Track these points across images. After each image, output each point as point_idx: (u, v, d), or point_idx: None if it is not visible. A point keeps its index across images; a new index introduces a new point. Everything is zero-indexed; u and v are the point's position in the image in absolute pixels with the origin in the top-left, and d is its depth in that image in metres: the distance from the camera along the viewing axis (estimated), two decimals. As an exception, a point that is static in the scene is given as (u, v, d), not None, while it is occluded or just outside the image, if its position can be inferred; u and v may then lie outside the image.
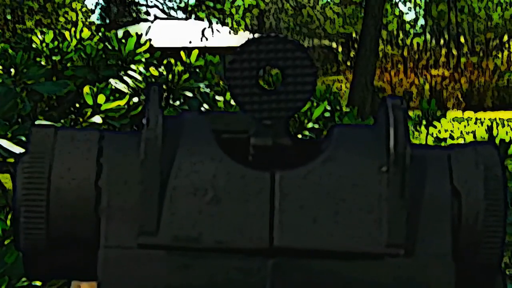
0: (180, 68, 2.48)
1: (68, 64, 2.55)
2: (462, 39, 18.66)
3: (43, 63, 2.53)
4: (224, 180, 0.34)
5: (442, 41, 18.33)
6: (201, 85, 2.49)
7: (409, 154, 0.34)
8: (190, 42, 14.58)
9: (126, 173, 0.35)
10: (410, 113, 3.95)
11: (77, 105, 2.41)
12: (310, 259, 0.34)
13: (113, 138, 0.36)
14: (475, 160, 0.36)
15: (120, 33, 2.67)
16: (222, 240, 0.34)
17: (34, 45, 2.55)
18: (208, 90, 2.46)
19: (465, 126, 12.23)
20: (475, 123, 12.60)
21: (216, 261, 0.34)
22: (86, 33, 2.72)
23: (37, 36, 2.56)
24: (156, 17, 15.69)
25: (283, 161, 0.36)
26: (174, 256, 0.34)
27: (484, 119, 13.11)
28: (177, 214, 0.34)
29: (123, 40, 2.60)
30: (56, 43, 2.56)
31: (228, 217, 0.34)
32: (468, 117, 13.55)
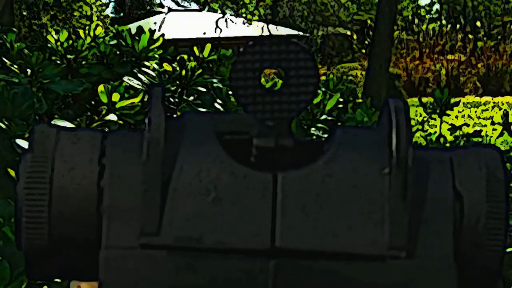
0: (193, 64, 2.49)
1: (83, 62, 2.58)
2: (478, 23, 18.45)
3: (58, 62, 2.56)
4: (226, 181, 0.34)
5: (458, 26, 18.14)
6: (214, 80, 2.50)
7: (411, 156, 0.35)
8: (204, 33, 14.56)
9: (129, 173, 0.35)
10: (424, 99, 3.92)
11: (93, 102, 2.44)
12: (312, 260, 0.34)
13: (115, 138, 0.36)
14: (478, 162, 0.37)
15: (134, 26, 2.69)
16: (224, 240, 0.34)
17: (49, 44, 2.58)
18: (221, 85, 2.47)
19: (482, 111, 12.12)
20: (493, 108, 12.48)
21: (218, 261, 0.34)
22: (100, 30, 2.74)
23: (52, 35, 2.59)
24: (170, 9, 15.69)
25: (285, 162, 0.36)
26: (176, 257, 0.34)
27: (502, 103, 12.98)
28: (179, 214, 0.34)
29: (137, 37, 2.62)
30: (70, 41, 2.59)
31: (230, 217, 0.34)
32: (486, 101, 13.43)
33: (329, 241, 0.34)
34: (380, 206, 0.34)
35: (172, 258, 0.34)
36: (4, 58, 2.31)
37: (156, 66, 2.55)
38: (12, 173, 1.82)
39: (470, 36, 17.47)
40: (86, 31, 2.69)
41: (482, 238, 0.36)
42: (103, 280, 0.34)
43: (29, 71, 2.23)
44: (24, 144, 1.77)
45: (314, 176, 0.35)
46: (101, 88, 2.01)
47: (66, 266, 0.36)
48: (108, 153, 0.36)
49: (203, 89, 2.46)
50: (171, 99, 2.54)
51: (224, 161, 0.35)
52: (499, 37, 17.59)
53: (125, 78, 2.34)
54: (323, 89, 2.60)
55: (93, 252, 0.35)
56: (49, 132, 0.36)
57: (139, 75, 2.45)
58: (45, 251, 0.35)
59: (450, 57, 16.29)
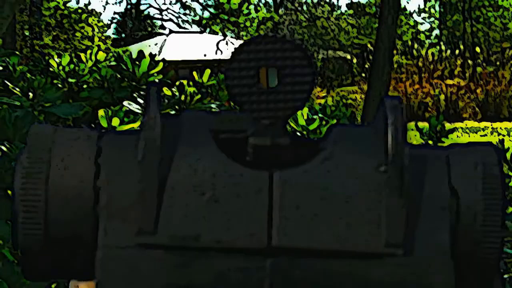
0: (192, 89, 2.53)
1: (84, 86, 2.62)
2: (477, 49, 18.57)
3: (59, 85, 2.60)
4: (222, 180, 0.34)
5: (457, 51, 18.25)
6: (213, 105, 2.54)
7: (407, 153, 0.34)
8: (205, 56, 14.65)
9: (125, 173, 0.35)
10: (421, 124, 3.96)
11: (93, 126, 2.47)
12: (309, 259, 0.34)
13: (111, 137, 0.36)
14: (474, 160, 0.36)
15: (135, 48, 2.73)
16: (221, 239, 0.34)
17: (51, 68, 2.63)
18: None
19: (481, 136, 12.16)
20: (492, 133, 12.53)
21: (215, 260, 0.34)
22: (101, 55, 2.79)
23: (54, 59, 2.63)
24: (171, 31, 15.80)
25: (281, 160, 0.35)
26: (173, 256, 0.34)
27: (501, 128, 13.03)
28: (175, 213, 0.34)
29: (137, 61, 2.67)
30: (72, 66, 2.63)
31: (227, 216, 0.34)
32: (485, 126, 13.48)
33: (326, 239, 0.34)
34: (377, 203, 0.34)
35: (168, 257, 0.34)
36: (6, 81, 2.35)
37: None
38: (12, 195, 1.84)
39: (469, 62, 17.57)
40: (88, 55, 2.73)
41: (479, 234, 0.36)
42: (100, 279, 0.34)
43: (31, 94, 2.27)
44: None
45: (310, 174, 0.35)
46: (101, 112, 2.05)
47: (63, 266, 0.36)
48: (104, 152, 0.35)
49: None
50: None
51: (220, 160, 0.35)
52: (498, 63, 17.69)
53: (125, 103, 2.37)
54: (320, 115, 2.64)
55: (90, 251, 0.35)
56: (45, 132, 0.36)
57: (138, 99, 2.48)
58: (42, 251, 0.35)
59: (449, 82, 16.36)
